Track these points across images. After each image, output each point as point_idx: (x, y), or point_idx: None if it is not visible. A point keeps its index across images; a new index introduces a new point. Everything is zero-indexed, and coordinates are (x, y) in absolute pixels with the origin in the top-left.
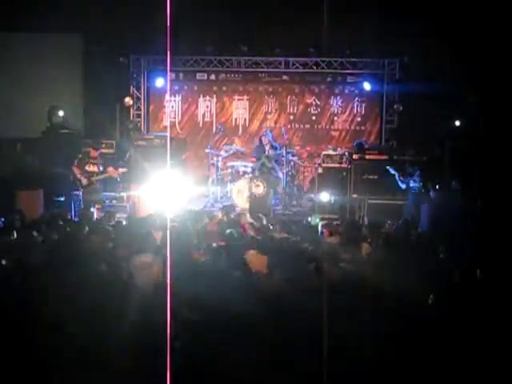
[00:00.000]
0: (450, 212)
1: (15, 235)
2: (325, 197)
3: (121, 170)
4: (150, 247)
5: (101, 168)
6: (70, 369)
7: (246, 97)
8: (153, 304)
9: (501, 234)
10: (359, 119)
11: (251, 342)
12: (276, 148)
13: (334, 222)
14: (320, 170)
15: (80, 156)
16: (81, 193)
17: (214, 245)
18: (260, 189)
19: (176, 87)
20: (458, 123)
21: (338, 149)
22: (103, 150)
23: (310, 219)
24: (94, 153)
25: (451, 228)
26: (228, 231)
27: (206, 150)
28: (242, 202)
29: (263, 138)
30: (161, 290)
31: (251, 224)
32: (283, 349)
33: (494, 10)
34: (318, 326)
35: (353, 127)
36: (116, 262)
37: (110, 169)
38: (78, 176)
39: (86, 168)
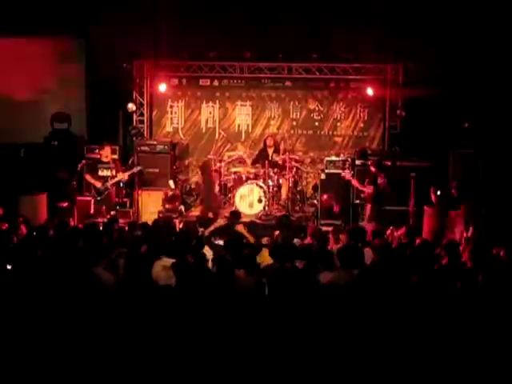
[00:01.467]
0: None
1: (20, 240)
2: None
3: (129, 172)
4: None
5: (113, 172)
6: None
7: (248, 102)
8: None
9: (504, 239)
10: (362, 125)
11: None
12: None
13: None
14: (323, 176)
15: (89, 162)
16: (93, 199)
17: None
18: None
19: (179, 93)
20: (461, 129)
21: (341, 155)
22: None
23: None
24: (106, 157)
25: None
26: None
27: (209, 156)
28: (245, 208)
29: (268, 140)
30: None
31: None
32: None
33: (498, 15)
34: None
35: (356, 133)
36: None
37: (120, 173)
38: (92, 182)
39: (99, 173)
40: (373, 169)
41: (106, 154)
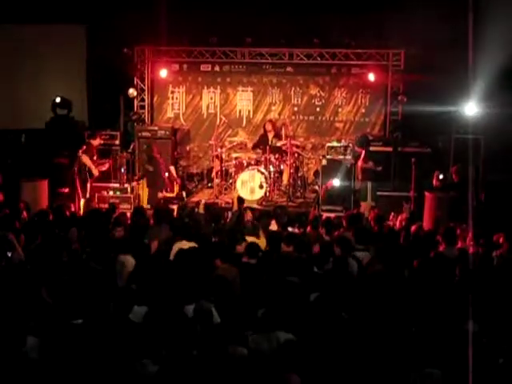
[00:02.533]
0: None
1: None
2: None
3: (101, 168)
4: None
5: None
6: None
7: (250, 88)
8: None
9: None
10: (363, 111)
11: None
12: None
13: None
14: (324, 162)
15: (86, 145)
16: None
17: None
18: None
19: (180, 78)
20: (462, 115)
21: (343, 140)
22: (107, 142)
23: None
24: (95, 142)
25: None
26: None
27: (210, 142)
28: (246, 194)
29: (266, 125)
30: None
31: None
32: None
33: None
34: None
35: (357, 119)
36: None
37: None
38: (88, 165)
39: (94, 158)
40: (361, 150)
41: (97, 143)
